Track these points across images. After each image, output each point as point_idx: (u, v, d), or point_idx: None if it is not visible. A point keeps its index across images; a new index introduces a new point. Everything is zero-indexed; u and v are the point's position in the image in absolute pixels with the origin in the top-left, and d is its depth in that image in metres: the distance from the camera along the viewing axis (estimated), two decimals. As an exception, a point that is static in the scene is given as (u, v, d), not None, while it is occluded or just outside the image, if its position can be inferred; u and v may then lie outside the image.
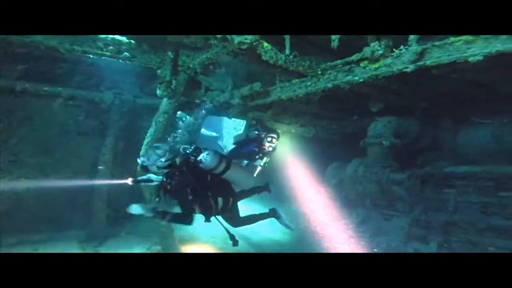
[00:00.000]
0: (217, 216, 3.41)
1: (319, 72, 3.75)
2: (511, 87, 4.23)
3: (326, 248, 5.27)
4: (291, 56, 3.33)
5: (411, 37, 2.92)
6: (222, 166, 3.23)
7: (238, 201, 3.67)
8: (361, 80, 3.41)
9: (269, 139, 5.26)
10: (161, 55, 4.42)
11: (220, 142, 10.76)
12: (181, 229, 5.76)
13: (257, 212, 4.04)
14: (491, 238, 4.46)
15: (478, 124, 5.33)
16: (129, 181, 3.50)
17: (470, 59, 2.50)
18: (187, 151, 3.27)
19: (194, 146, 3.28)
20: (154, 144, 3.30)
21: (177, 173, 3.06)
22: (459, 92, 4.70)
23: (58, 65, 5.20)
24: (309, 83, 4.00)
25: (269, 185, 4.11)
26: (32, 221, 5.10)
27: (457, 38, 2.59)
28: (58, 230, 5.25)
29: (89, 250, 4.98)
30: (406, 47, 2.98)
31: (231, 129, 10.33)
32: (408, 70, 2.97)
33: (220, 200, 3.30)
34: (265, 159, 5.37)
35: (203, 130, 9.54)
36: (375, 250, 4.97)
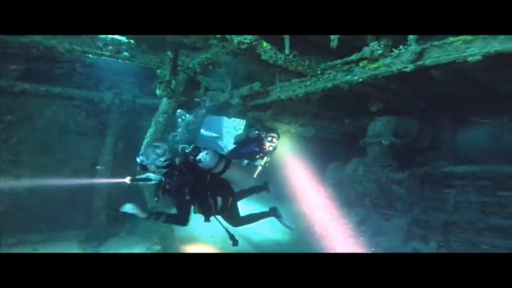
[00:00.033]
0: (216, 216, 3.41)
1: (319, 72, 3.76)
2: (510, 86, 4.24)
3: (326, 248, 5.28)
4: (291, 56, 3.34)
5: (410, 37, 2.93)
6: (221, 166, 3.23)
7: (237, 201, 3.67)
8: (361, 80, 3.42)
9: (269, 138, 5.26)
10: (161, 55, 4.42)
11: (220, 142, 10.76)
12: (181, 229, 5.76)
13: (257, 212, 4.04)
14: (490, 238, 4.47)
15: (478, 123, 5.34)
16: (127, 180, 3.48)
17: (469, 59, 2.51)
18: (186, 151, 3.27)
19: (193, 145, 3.28)
20: (154, 144, 3.27)
21: (176, 172, 3.04)
22: (459, 91, 4.71)
23: (57, 65, 5.19)
24: (308, 83, 4.01)
25: (268, 185, 4.11)
26: (32, 221, 5.09)
27: (456, 38, 2.60)
28: (58, 230, 5.25)
29: (89, 250, 4.98)
30: (405, 47, 2.99)
31: (231, 129, 10.33)
32: (408, 70, 2.98)
33: (219, 199, 3.30)
34: (265, 158, 5.38)
35: (202, 131, 9.53)
36: (372, 249, 4.98)
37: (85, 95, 5.41)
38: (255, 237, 6.27)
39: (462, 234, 4.75)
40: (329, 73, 3.73)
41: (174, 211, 3.08)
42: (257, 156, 5.34)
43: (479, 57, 2.45)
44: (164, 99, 4.75)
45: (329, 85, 3.74)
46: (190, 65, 4.35)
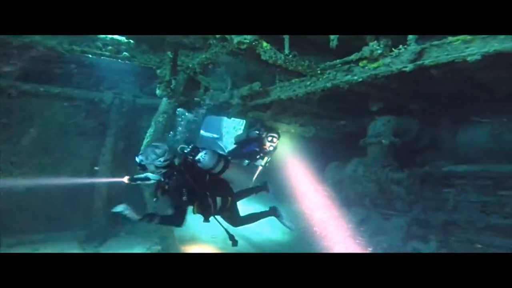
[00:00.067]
0: (216, 216, 3.41)
1: (319, 72, 3.76)
2: (510, 86, 4.24)
3: (326, 248, 5.28)
4: (291, 56, 3.34)
5: (410, 36, 2.93)
6: (220, 166, 3.23)
7: (237, 201, 3.67)
8: (360, 79, 3.42)
9: (269, 138, 5.26)
10: (161, 55, 4.42)
11: (220, 143, 10.76)
12: (181, 229, 5.73)
13: (257, 211, 4.04)
14: (490, 237, 4.48)
15: (477, 123, 5.34)
16: (125, 179, 3.48)
17: (468, 58, 2.51)
18: (185, 151, 3.26)
19: (192, 145, 3.27)
20: (153, 143, 3.26)
21: (175, 173, 3.04)
22: (458, 91, 4.71)
23: (57, 65, 5.19)
24: (308, 83, 4.01)
25: (267, 185, 4.11)
26: (32, 221, 5.10)
27: (455, 38, 2.61)
28: (58, 230, 5.25)
29: (89, 250, 4.98)
30: (405, 46, 2.99)
31: (230, 129, 10.33)
32: (407, 69, 2.98)
33: (218, 199, 3.29)
34: (266, 158, 5.38)
35: (202, 132, 9.53)
36: (369, 249, 4.97)
37: (85, 95, 5.41)
38: (255, 237, 6.27)
39: (462, 234, 4.76)
40: (329, 73, 3.73)
41: (170, 211, 3.06)
42: (258, 156, 5.35)
43: (478, 57, 2.45)
44: (164, 99, 4.75)
45: (329, 85, 3.75)
46: (190, 65, 4.36)
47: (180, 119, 4.87)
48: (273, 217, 4.11)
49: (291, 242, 6.18)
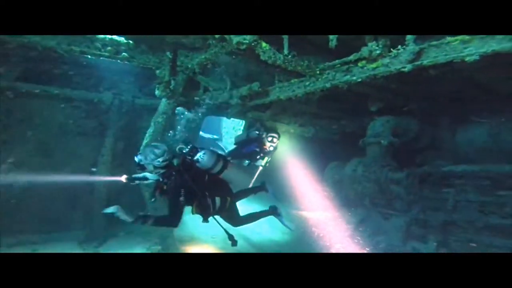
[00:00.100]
0: (215, 217, 3.40)
1: (318, 72, 3.77)
2: (508, 86, 4.25)
3: (325, 248, 5.29)
4: (290, 56, 3.34)
5: (408, 36, 2.94)
6: (219, 166, 3.22)
7: (236, 201, 3.66)
8: (359, 80, 3.43)
9: (270, 138, 5.27)
10: (160, 55, 4.42)
11: (220, 143, 10.76)
12: (181, 229, 5.76)
13: (257, 211, 4.03)
14: (489, 237, 4.48)
15: (476, 123, 5.36)
16: (123, 178, 3.47)
17: (467, 58, 2.52)
18: (184, 151, 3.26)
19: (190, 145, 3.27)
20: (152, 143, 3.24)
21: (173, 173, 3.02)
22: (457, 91, 4.73)
23: (56, 65, 5.20)
24: (307, 83, 4.01)
25: (266, 185, 4.11)
26: (32, 221, 5.10)
27: (454, 38, 2.61)
28: (58, 230, 5.25)
29: (89, 250, 4.99)
30: (404, 47, 3.00)
31: (230, 129, 10.33)
32: (406, 69, 2.99)
33: (217, 200, 3.27)
34: (266, 159, 5.38)
35: (202, 134, 9.53)
36: (368, 249, 4.98)
37: (85, 96, 5.42)
38: (255, 237, 6.28)
39: (461, 234, 4.77)
40: (328, 73, 3.74)
41: (165, 212, 3.00)
42: (258, 156, 5.35)
43: (476, 57, 2.46)
44: (163, 100, 4.75)
45: (328, 85, 3.75)
46: (189, 66, 4.36)
47: (179, 118, 4.86)
48: (273, 217, 4.12)
49: (290, 242, 6.18)
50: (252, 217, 3.88)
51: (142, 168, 3.05)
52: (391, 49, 3.09)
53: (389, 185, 5.21)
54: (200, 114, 5.15)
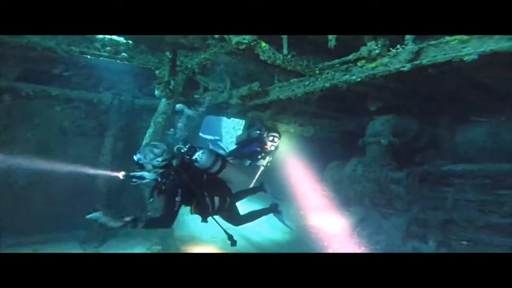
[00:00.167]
0: (214, 217, 3.39)
1: (317, 72, 3.77)
2: (507, 86, 4.26)
3: (325, 248, 5.29)
4: (289, 56, 3.35)
5: (407, 36, 2.94)
6: (218, 165, 3.22)
7: (235, 201, 3.65)
8: (359, 79, 3.43)
9: (271, 138, 5.27)
10: (159, 55, 4.43)
11: (221, 144, 10.77)
12: (181, 229, 5.77)
13: (258, 209, 4.02)
14: (489, 236, 4.49)
15: (476, 122, 5.36)
16: (120, 175, 3.45)
17: (465, 58, 2.53)
18: (182, 151, 3.25)
19: (189, 145, 3.26)
20: (152, 143, 3.22)
21: (172, 173, 3.01)
22: (457, 91, 4.73)
23: (56, 66, 5.20)
24: (307, 83, 4.02)
25: (264, 185, 4.11)
26: (32, 222, 5.11)
27: (452, 38, 2.62)
28: (59, 230, 5.26)
29: (89, 250, 4.99)
30: (403, 46, 3.00)
31: (230, 129, 10.34)
32: (405, 69, 3.00)
33: (216, 199, 3.26)
34: (267, 158, 5.38)
35: (203, 135, 9.53)
36: (368, 249, 4.98)
37: (84, 96, 5.42)
38: (255, 236, 6.28)
39: (461, 233, 4.77)
40: (328, 73, 3.74)
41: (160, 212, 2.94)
42: (259, 156, 5.35)
43: (475, 57, 2.46)
44: (163, 100, 4.76)
45: (327, 84, 3.76)
46: (189, 66, 4.37)
47: (179, 115, 4.85)
48: (273, 217, 4.12)
49: (291, 242, 6.19)
50: (253, 216, 3.87)
51: (141, 167, 3.02)
52: (390, 49, 3.10)
53: (389, 184, 5.21)
54: (200, 112, 5.15)
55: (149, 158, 2.96)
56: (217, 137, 11.16)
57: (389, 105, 5.21)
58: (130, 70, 5.52)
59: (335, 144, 6.94)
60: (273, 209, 3.97)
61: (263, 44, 3.07)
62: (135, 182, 3.34)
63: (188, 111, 5.03)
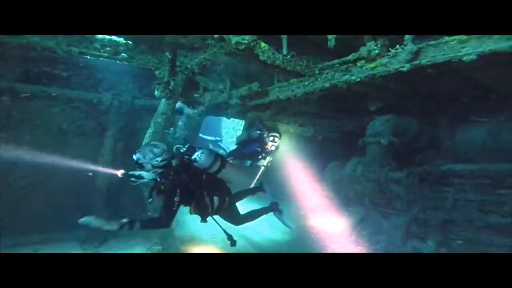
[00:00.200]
0: (214, 217, 3.39)
1: (317, 72, 3.77)
2: (507, 85, 4.26)
3: (325, 248, 5.29)
4: (289, 56, 3.35)
5: (407, 36, 2.95)
6: (217, 165, 3.22)
7: (235, 202, 3.65)
8: (358, 79, 3.44)
9: (271, 138, 5.26)
10: (159, 55, 4.43)
11: (222, 144, 10.77)
12: (181, 229, 5.77)
13: (258, 208, 4.01)
14: (489, 236, 4.49)
15: (476, 122, 5.36)
16: (119, 173, 3.45)
17: (464, 58, 2.53)
18: (181, 150, 3.25)
19: (188, 145, 3.26)
20: (152, 142, 3.22)
21: (171, 173, 3.00)
22: (456, 91, 4.73)
23: (56, 66, 5.21)
24: (307, 83, 4.02)
25: (263, 185, 4.10)
26: (32, 222, 5.11)
27: (451, 38, 2.62)
28: (59, 230, 5.26)
29: (90, 250, 4.99)
30: (402, 46, 3.01)
31: (230, 130, 10.33)
32: (404, 69, 3.00)
33: (216, 199, 3.26)
34: (268, 158, 5.37)
35: (204, 136, 9.51)
36: (366, 249, 4.98)
37: (84, 97, 5.43)
38: (255, 236, 6.28)
39: (461, 233, 4.77)
40: (327, 73, 3.74)
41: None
42: (260, 156, 5.35)
43: (474, 57, 2.46)
44: (163, 100, 4.76)
45: (327, 84, 3.76)
46: (189, 66, 4.37)
47: (179, 114, 4.84)
48: (273, 217, 4.12)
49: (290, 241, 6.19)
50: (253, 215, 3.86)
51: (141, 166, 3.01)
52: (390, 49, 3.10)
53: (389, 184, 5.21)
54: (200, 111, 5.15)
55: (149, 158, 2.95)
56: (218, 138, 11.15)
57: (389, 105, 5.21)
58: (130, 70, 5.52)
59: (335, 144, 6.94)
60: (273, 207, 3.95)
61: (263, 44, 3.07)
62: (135, 182, 3.33)
63: (188, 110, 5.03)
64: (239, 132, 7.85)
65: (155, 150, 2.98)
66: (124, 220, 2.66)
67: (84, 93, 5.42)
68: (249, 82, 4.82)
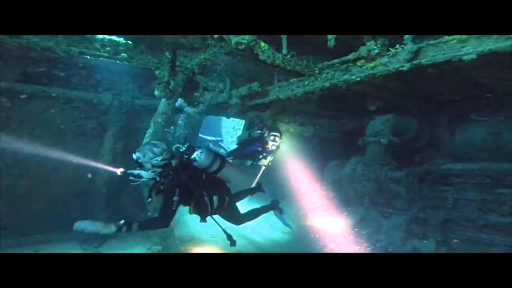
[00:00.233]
0: (213, 216, 3.38)
1: (317, 72, 3.77)
2: (506, 85, 4.26)
3: (325, 248, 5.30)
4: (289, 56, 3.35)
5: (406, 36, 2.95)
6: (216, 165, 3.20)
7: (235, 202, 3.64)
8: (358, 79, 3.43)
9: (272, 137, 5.24)
10: (159, 55, 4.43)
11: (223, 144, 10.77)
12: (181, 229, 5.78)
13: (258, 207, 4.01)
14: (489, 235, 4.50)
15: (475, 121, 5.37)
16: (118, 171, 3.44)
17: (464, 57, 2.53)
18: (181, 150, 3.24)
19: (187, 144, 3.25)
20: (152, 142, 3.20)
21: (171, 172, 2.99)
22: (456, 90, 4.74)
23: (55, 66, 5.21)
24: (307, 83, 4.02)
25: (262, 186, 4.10)
26: (32, 222, 5.11)
27: (451, 37, 2.62)
28: (59, 230, 5.26)
29: (90, 250, 4.99)
30: (402, 46, 3.01)
31: (230, 129, 10.33)
32: (404, 68, 3.00)
33: (215, 199, 3.25)
34: (269, 158, 5.36)
35: (204, 136, 9.51)
36: (366, 248, 4.98)
37: (84, 97, 5.42)
38: (255, 236, 6.29)
39: (461, 232, 4.78)
40: (327, 73, 3.74)
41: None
42: (260, 156, 5.34)
43: (474, 56, 2.46)
44: (163, 100, 4.76)
45: (327, 84, 3.76)
46: (189, 66, 4.37)
47: (179, 113, 4.82)
48: (273, 216, 4.12)
49: (290, 241, 6.19)
50: (253, 214, 3.84)
51: (140, 165, 2.99)
52: (390, 49, 3.10)
53: (389, 184, 5.22)
54: (200, 110, 5.14)
55: (148, 157, 2.94)
56: (218, 138, 11.15)
57: (388, 105, 5.21)
58: (129, 70, 5.52)
59: (335, 144, 6.94)
60: (273, 206, 3.94)
61: (262, 44, 3.07)
62: (135, 182, 3.32)
63: (188, 109, 5.02)
64: (240, 132, 7.84)
65: (155, 149, 2.97)
66: (122, 222, 2.62)
67: (84, 93, 5.42)
68: (249, 82, 4.81)
